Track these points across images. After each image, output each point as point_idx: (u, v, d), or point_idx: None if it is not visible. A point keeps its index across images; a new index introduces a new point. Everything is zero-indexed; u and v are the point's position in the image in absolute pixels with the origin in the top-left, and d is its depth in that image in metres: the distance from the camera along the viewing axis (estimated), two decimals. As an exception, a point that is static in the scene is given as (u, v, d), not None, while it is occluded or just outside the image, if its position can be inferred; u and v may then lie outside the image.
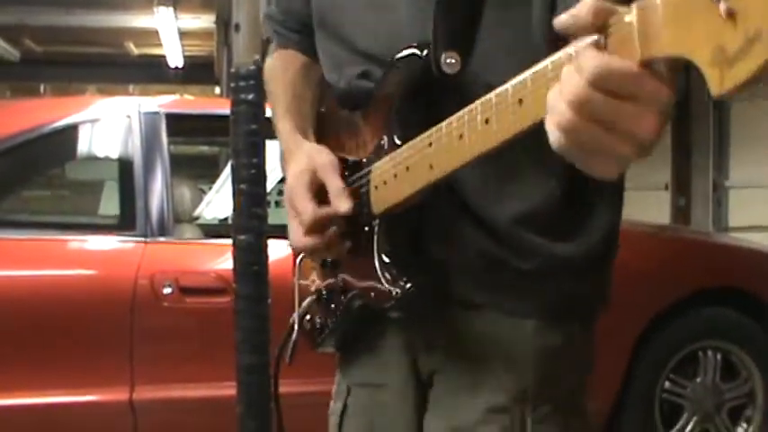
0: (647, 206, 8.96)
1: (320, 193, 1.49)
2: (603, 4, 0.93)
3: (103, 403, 3.82)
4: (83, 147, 4.42)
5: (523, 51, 1.37)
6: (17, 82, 18.69)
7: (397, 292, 1.37)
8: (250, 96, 2.81)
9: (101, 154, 4.65)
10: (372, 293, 1.42)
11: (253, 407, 2.87)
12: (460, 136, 1.20)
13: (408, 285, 1.37)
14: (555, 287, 1.46)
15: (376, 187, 1.42)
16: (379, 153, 1.44)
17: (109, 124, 4.28)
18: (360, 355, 1.62)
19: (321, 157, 1.52)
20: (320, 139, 1.63)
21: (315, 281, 1.62)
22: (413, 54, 1.40)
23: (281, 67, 1.76)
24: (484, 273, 1.45)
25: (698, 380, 4.62)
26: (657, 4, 0.86)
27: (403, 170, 1.34)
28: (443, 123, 1.24)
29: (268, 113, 2.66)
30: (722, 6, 0.78)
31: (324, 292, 1.58)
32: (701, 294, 4.61)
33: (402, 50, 1.43)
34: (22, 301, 3.78)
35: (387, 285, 1.38)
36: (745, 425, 4.70)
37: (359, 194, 1.46)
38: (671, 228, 7.67)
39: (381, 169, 1.41)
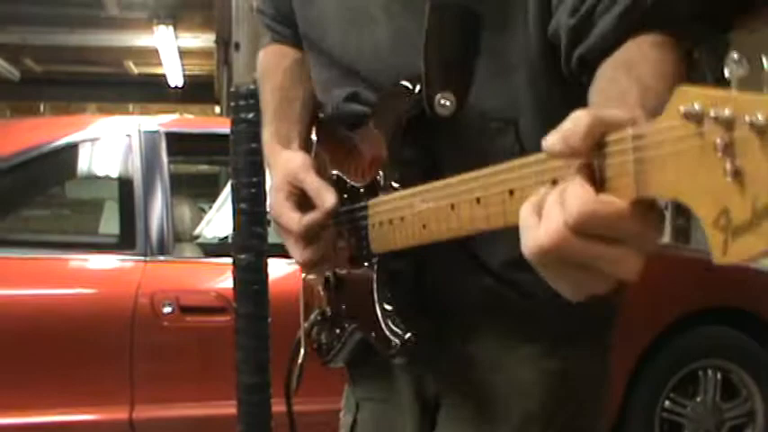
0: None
1: (304, 201, 1.44)
2: (600, 121, 0.85)
3: (103, 422, 3.82)
4: (83, 166, 4.43)
5: (520, 79, 1.33)
6: (17, 101, 18.73)
7: (396, 343, 1.32)
8: (250, 115, 2.81)
9: (101, 173, 4.66)
10: (373, 334, 1.37)
11: (253, 426, 2.86)
12: (452, 206, 1.14)
13: (409, 335, 1.31)
14: (558, 314, 1.38)
15: (373, 226, 1.37)
16: (375, 189, 1.39)
17: (109, 143, 4.28)
18: (370, 373, 1.59)
19: (293, 163, 1.47)
20: (319, 146, 1.58)
21: (320, 297, 1.58)
22: (404, 87, 1.35)
23: (272, 66, 1.69)
24: (488, 305, 1.41)
25: (698, 399, 4.62)
26: (656, 140, 0.79)
27: (398, 219, 1.28)
28: (438, 183, 1.18)
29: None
30: (728, 166, 0.72)
31: (329, 314, 1.54)
32: (701, 314, 4.61)
33: (387, 73, 1.38)
34: (22, 320, 3.78)
35: (388, 335, 1.33)
36: (745, 444, 4.70)
37: (357, 227, 1.41)
38: (671, 247, 7.67)
39: (378, 209, 1.36)
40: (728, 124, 0.71)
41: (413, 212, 1.23)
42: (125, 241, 4.20)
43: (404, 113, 1.35)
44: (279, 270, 3.13)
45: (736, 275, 5.10)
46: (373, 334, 1.37)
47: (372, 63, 1.43)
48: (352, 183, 1.46)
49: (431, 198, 1.19)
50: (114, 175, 4.46)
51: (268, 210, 1.53)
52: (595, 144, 0.85)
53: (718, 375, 4.63)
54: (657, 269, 4.70)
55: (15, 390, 3.74)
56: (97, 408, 3.82)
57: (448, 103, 1.30)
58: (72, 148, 4.24)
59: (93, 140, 4.27)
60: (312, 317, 1.57)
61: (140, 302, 3.85)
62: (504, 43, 1.33)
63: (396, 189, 1.33)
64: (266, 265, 2.82)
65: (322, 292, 1.56)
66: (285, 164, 1.49)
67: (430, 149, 1.35)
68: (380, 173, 1.38)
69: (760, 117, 0.70)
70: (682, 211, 9.84)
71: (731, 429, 4.67)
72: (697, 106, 0.74)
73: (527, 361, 1.42)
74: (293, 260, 1.50)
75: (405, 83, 1.34)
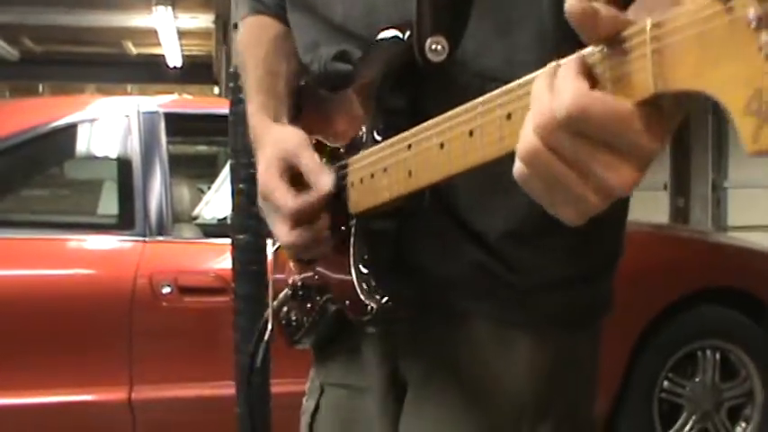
0: (645, 207, 8.95)
1: (297, 180, 1.33)
2: (619, 17, 0.78)
3: (102, 403, 3.82)
4: (82, 146, 4.43)
5: (527, 35, 1.24)
6: (16, 81, 18.71)
7: (372, 308, 1.22)
8: (249, 96, 2.80)
9: (100, 153, 4.67)
10: (347, 302, 1.27)
11: (253, 407, 2.86)
12: (441, 145, 1.05)
13: (386, 300, 1.22)
14: (552, 299, 1.33)
15: (352, 184, 1.28)
16: (357, 146, 1.29)
17: (108, 124, 4.28)
18: (338, 355, 1.50)
19: (290, 140, 1.36)
20: (300, 115, 1.47)
21: (291, 272, 1.48)
22: (394, 36, 1.25)
23: (253, 39, 1.58)
24: (475, 283, 1.31)
25: (697, 379, 4.63)
26: (678, 25, 0.71)
27: (380, 171, 1.20)
28: (426, 124, 1.09)
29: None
30: (764, 38, 0.64)
31: (300, 287, 1.44)
32: (699, 294, 4.61)
33: (381, 30, 1.28)
34: (21, 301, 3.78)
35: (363, 298, 1.24)
36: (743, 424, 4.70)
37: (336, 189, 1.31)
38: (670, 227, 7.66)
39: (359, 165, 1.27)
40: None
41: (397, 160, 1.16)
42: (124, 222, 4.20)
43: (392, 62, 1.26)
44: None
45: (735, 256, 5.11)
46: (347, 302, 1.27)
47: (366, 23, 1.33)
48: (332, 145, 1.38)
49: (417, 141, 1.11)
50: (113, 155, 4.46)
51: (258, 183, 1.40)
52: (610, 36, 0.78)
53: (717, 356, 4.64)
54: (657, 250, 4.71)
55: (14, 370, 3.75)
56: (96, 388, 3.82)
57: (440, 47, 1.20)
58: (71, 129, 4.24)
59: (92, 121, 4.28)
60: (282, 294, 1.48)
61: (139, 283, 3.85)
62: None
63: (378, 142, 1.24)
64: (265, 245, 2.81)
65: (294, 266, 1.47)
66: (278, 139, 1.38)
67: (419, 105, 1.24)
68: (362, 129, 1.30)
69: None
70: (681, 190, 9.84)
71: (730, 410, 4.69)
72: None
73: (520, 348, 1.33)
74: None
75: (394, 32, 1.26)
